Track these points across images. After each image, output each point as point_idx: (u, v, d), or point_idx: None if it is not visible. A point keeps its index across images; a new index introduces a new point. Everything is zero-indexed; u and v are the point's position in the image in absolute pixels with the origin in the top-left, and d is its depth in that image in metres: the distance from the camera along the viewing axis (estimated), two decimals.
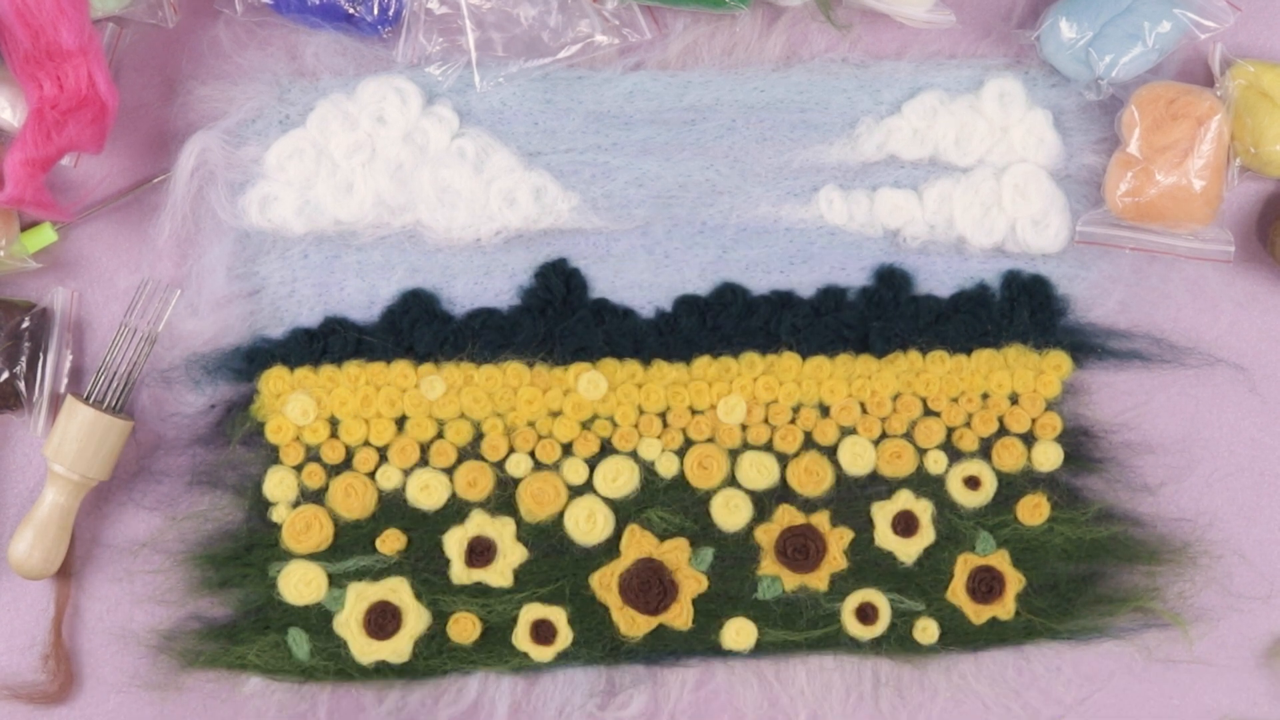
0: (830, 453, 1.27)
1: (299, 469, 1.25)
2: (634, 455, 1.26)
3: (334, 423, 1.25)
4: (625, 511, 1.26)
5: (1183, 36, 1.24)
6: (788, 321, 1.26)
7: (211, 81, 1.25)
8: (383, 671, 1.25)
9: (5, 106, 1.20)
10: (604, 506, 1.26)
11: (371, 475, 1.25)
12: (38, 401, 1.24)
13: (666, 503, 1.26)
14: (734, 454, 1.26)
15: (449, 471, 1.25)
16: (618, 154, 1.26)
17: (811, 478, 1.26)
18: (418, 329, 1.25)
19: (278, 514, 1.24)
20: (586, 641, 1.25)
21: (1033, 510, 1.27)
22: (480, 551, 1.25)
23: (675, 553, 1.26)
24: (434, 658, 1.25)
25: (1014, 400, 1.28)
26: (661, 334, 1.26)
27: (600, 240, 1.27)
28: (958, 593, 1.27)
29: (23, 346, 1.23)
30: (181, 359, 1.25)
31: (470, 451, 1.25)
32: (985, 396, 1.27)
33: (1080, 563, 1.28)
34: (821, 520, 1.26)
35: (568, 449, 1.26)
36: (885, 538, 1.27)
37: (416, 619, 1.25)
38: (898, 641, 1.27)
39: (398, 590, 1.25)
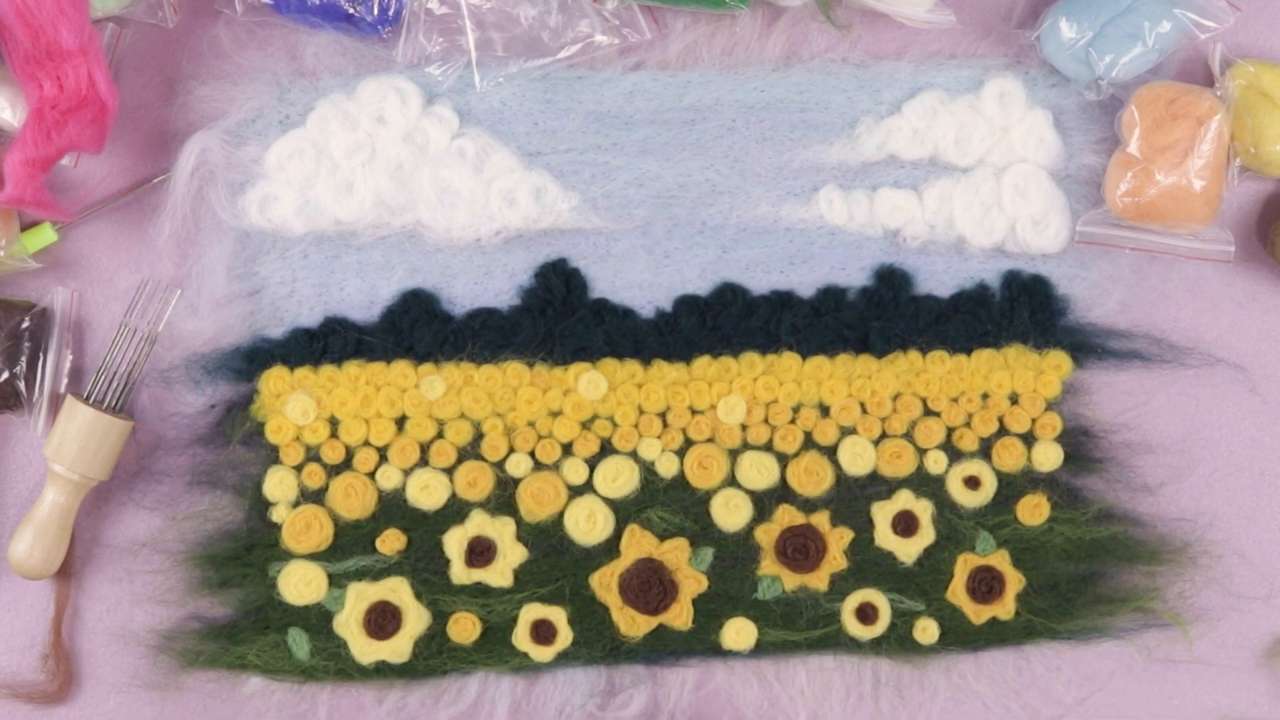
0: (830, 453, 1.27)
1: (299, 469, 1.25)
2: (634, 455, 1.26)
3: (334, 423, 1.25)
4: (625, 511, 1.26)
5: (1183, 36, 1.24)
6: (788, 321, 1.26)
7: (211, 81, 1.25)
8: (383, 671, 1.25)
9: (5, 106, 1.20)
10: (604, 506, 1.26)
11: (371, 475, 1.25)
12: (38, 401, 1.24)
13: (666, 503, 1.26)
14: (734, 454, 1.26)
15: (449, 471, 1.25)
16: (618, 154, 1.26)
17: (811, 478, 1.26)
18: (418, 329, 1.25)
19: (278, 514, 1.24)
20: (586, 641, 1.25)
21: (1033, 510, 1.27)
22: (480, 551, 1.25)
23: (675, 553, 1.26)
24: (434, 658, 1.25)
25: (1014, 400, 1.28)
26: (661, 334, 1.26)
27: (600, 240, 1.27)
28: (958, 593, 1.27)
29: (23, 346, 1.23)
30: (181, 359, 1.25)
31: (470, 451, 1.25)
32: (985, 396, 1.27)
33: (1080, 563, 1.28)
34: (821, 520, 1.26)
35: (568, 449, 1.26)
36: (885, 538, 1.27)
37: (416, 619, 1.25)
38: (898, 641, 1.27)
39: (398, 590, 1.25)
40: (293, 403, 1.24)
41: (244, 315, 1.25)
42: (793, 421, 1.27)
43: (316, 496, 1.25)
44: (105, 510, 1.26)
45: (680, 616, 1.26)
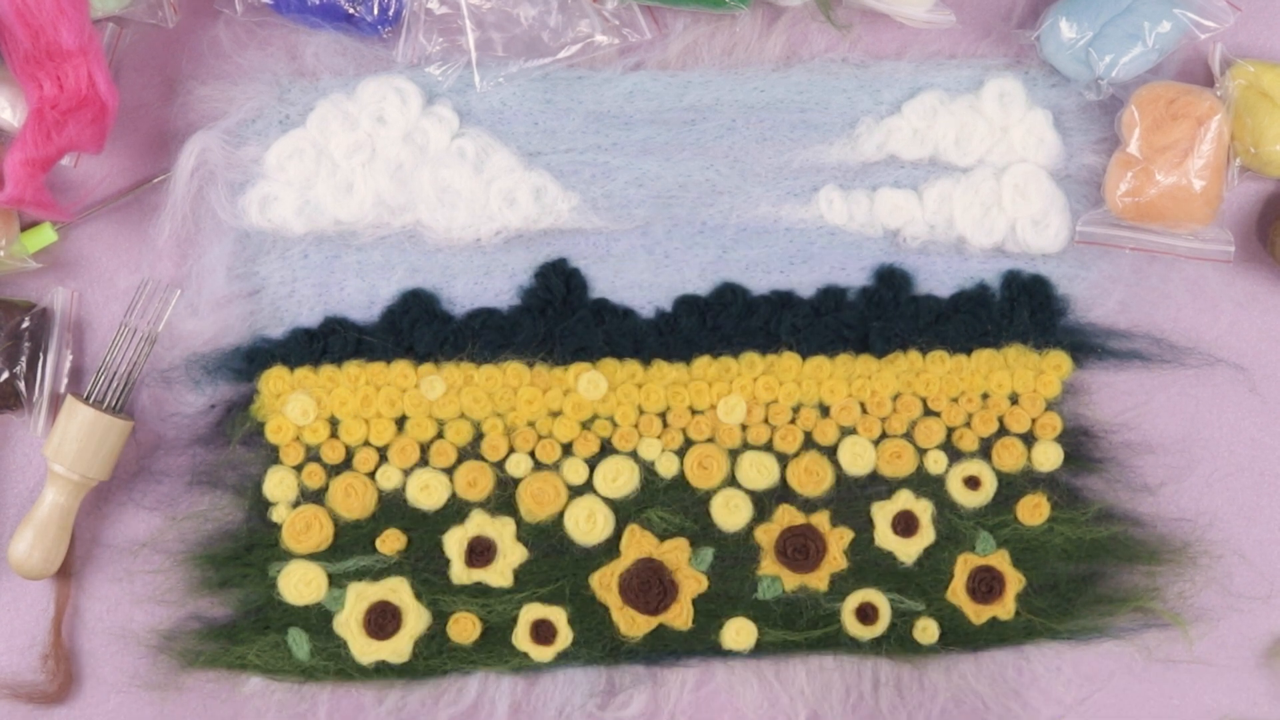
0: (830, 453, 1.27)
1: (299, 469, 1.25)
2: (634, 455, 1.26)
3: (334, 423, 1.25)
4: (625, 511, 1.26)
5: (1183, 36, 1.24)
6: (788, 321, 1.26)
7: (211, 81, 1.25)
8: (383, 671, 1.25)
9: (5, 106, 1.20)
10: (604, 506, 1.26)
11: (371, 475, 1.25)
12: (38, 401, 1.24)
13: (666, 503, 1.26)
14: (734, 454, 1.26)
15: (449, 471, 1.25)
16: (618, 154, 1.26)
17: (811, 478, 1.26)
18: (418, 329, 1.25)
19: (278, 514, 1.24)
20: (586, 641, 1.25)
21: (1033, 510, 1.27)
22: (480, 551, 1.25)
23: (675, 553, 1.26)
24: (434, 658, 1.25)
25: (1014, 400, 1.28)
26: (661, 334, 1.26)
27: (600, 240, 1.27)
28: (958, 593, 1.27)
29: (23, 346, 1.23)
30: (181, 359, 1.25)
31: (470, 451, 1.25)
32: (985, 396, 1.27)
33: (1080, 563, 1.28)
34: (821, 520, 1.26)
35: (568, 449, 1.26)
36: (885, 538, 1.27)
37: (416, 619, 1.25)
38: (898, 641, 1.27)
39: (398, 590, 1.25)
40: (293, 403, 1.24)
41: (244, 315, 1.25)
42: (793, 421, 1.27)
43: (316, 496, 1.25)
44: (105, 510, 1.26)
45: (680, 616, 1.26)
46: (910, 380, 1.27)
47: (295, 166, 1.24)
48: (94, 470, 1.21)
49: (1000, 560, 1.27)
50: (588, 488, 1.26)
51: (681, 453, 1.26)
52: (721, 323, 1.26)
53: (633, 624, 1.25)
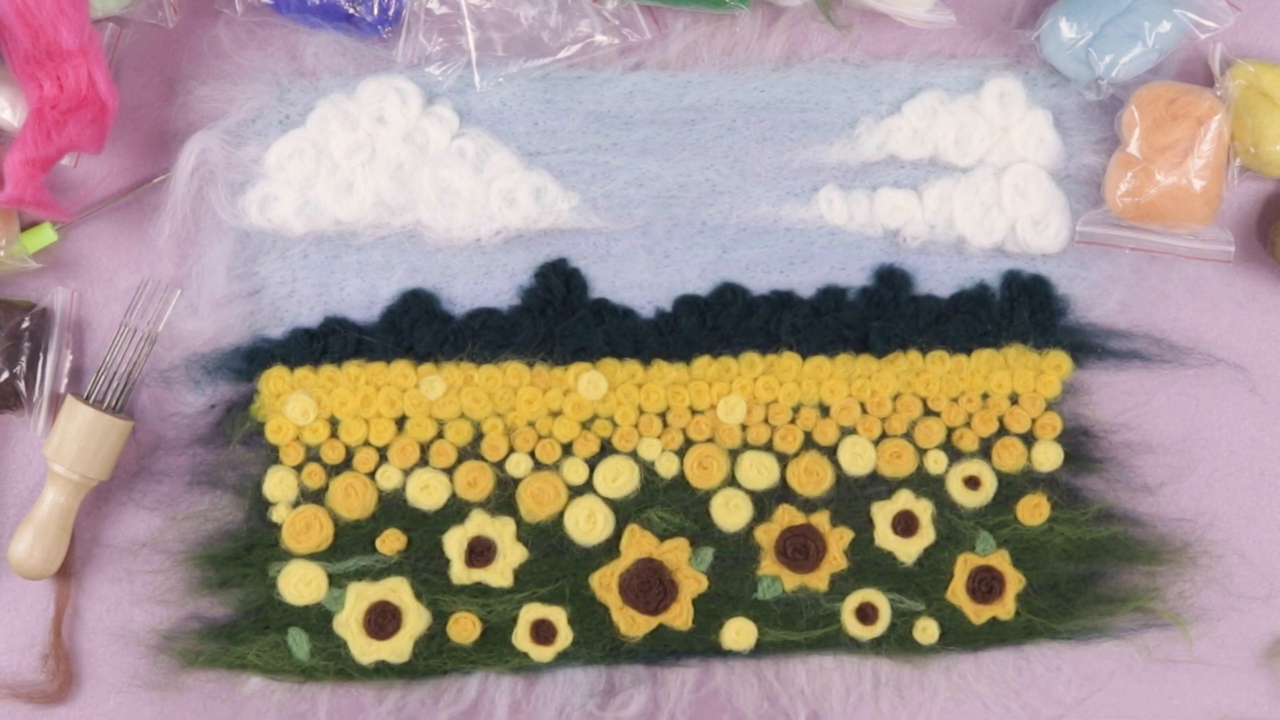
0: (830, 453, 1.27)
1: (299, 469, 1.25)
2: (634, 455, 1.26)
3: (334, 423, 1.25)
4: (625, 511, 1.26)
5: (1183, 36, 1.24)
6: (788, 321, 1.26)
7: (211, 81, 1.25)
8: (383, 671, 1.25)
9: (5, 106, 1.20)
10: (604, 506, 1.26)
11: (371, 475, 1.25)
12: (38, 401, 1.24)
13: (666, 503, 1.26)
14: (734, 454, 1.26)
15: (449, 471, 1.25)
16: (618, 154, 1.26)
17: (811, 478, 1.26)
18: (418, 329, 1.25)
19: (278, 514, 1.24)
20: (586, 641, 1.25)
21: (1033, 510, 1.27)
22: (480, 551, 1.25)
23: (675, 553, 1.26)
24: (434, 658, 1.25)
25: (1014, 400, 1.28)
26: (661, 334, 1.26)
27: (600, 240, 1.27)
28: (958, 593, 1.27)
29: (23, 346, 1.23)
30: (181, 359, 1.25)
31: (470, 451, 1.25)
32: (985, 396, 1.27)
33: (1080, 563, 1.28)
34: (821, 520, 1.26)
35: (568, 449, 1.26)
36: (885, 538, 1.27)
37: (416, 619, 1.25)
38: (898, 641, 1.27)
39: (398, 590, 1.25)
40: (293, 403, 1.24)
41: (244, 315, 1.25)
42: (793, 421, 1.27)
43: (316, 496, 1.25)
44: (105, 510, 1.26)
45: (680, 616, 1.26)
46: (910, 380, 1.27)
47: (295, 166, 1.24)
48: (94, 470, 1.21)
49: (1000, 560, 1.27)
50: (588, 488, 1.26)
51: (681, 453, 1.26)
52: (721, 323, 1.26)
53: (633, 624, 1.25)
